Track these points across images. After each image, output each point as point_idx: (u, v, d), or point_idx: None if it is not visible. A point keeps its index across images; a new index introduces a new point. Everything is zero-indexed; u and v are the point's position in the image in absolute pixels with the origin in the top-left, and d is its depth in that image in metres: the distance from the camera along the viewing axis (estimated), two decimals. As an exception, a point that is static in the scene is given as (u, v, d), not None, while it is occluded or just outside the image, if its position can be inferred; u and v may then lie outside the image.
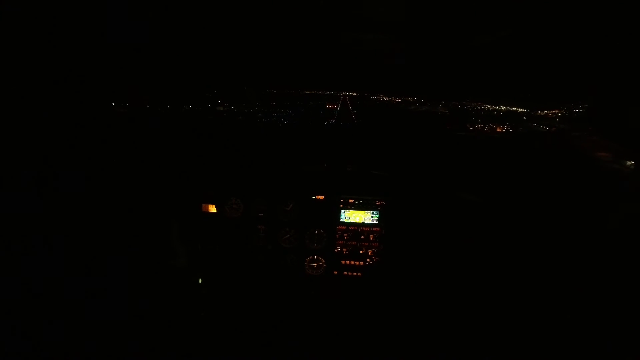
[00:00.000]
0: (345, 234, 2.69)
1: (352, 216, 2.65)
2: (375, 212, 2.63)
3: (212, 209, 2.69)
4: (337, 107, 4.83)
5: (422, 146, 3.74)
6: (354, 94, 5.10)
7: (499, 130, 4.06)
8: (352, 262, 2.72)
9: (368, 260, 2.71)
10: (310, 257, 2.73)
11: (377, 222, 2.65)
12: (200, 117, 4.04)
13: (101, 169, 2.34)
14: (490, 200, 2.68)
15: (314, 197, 2.65)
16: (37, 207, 1.87)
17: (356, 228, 2.67)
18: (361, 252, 2.70)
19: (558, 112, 3.59)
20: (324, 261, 2.74)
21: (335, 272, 2.74)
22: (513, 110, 4.22)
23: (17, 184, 1.79)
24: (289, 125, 4.33)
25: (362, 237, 2.68)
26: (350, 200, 2.64)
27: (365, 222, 2.65)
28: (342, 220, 2.66)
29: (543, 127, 3.70)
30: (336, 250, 2.71)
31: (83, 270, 2.02)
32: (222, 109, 4.14)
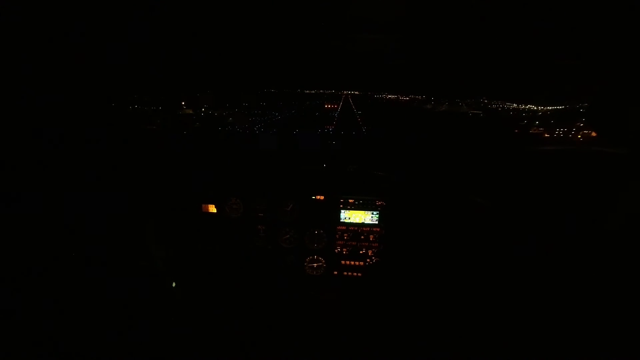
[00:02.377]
0: (345, 234, 2.67)
1: (352, 216, 2.64)
2: (375, 212, 2.61)
3: (212, 209, 2.71)
4: (337, 107, 4.13)
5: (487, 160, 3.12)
6: (357, 93, 4.63)
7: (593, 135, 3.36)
8: (352, 263, 2.71)
9: (368, 260, 2.69)
10: (310, 257, 2.73)
11: (377, 222, 2.63)
12: (163, 119, 3.60)
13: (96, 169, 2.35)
14: (504, 205, 2.59)
15: (314, 197, 2.64)
16: (37, 207, 1.90)
17: (356, 228, 2.66)
18: (361, 252, 2.69)
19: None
20: (324, 261, 2.73)
21: (335, 272, 2.74)
22: (554, 109, 3.53)
23: (15, 184, 1.82)
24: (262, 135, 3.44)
25: (362, 237, 2.67)
26: (350, 201, 2.62)
27: (365, 222, 2.63)
28: (342, 220, 2.65)
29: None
30: (336, 251, 2.70)
31: (76, 268, 2.03)
32: (190, 112, 3.62)
